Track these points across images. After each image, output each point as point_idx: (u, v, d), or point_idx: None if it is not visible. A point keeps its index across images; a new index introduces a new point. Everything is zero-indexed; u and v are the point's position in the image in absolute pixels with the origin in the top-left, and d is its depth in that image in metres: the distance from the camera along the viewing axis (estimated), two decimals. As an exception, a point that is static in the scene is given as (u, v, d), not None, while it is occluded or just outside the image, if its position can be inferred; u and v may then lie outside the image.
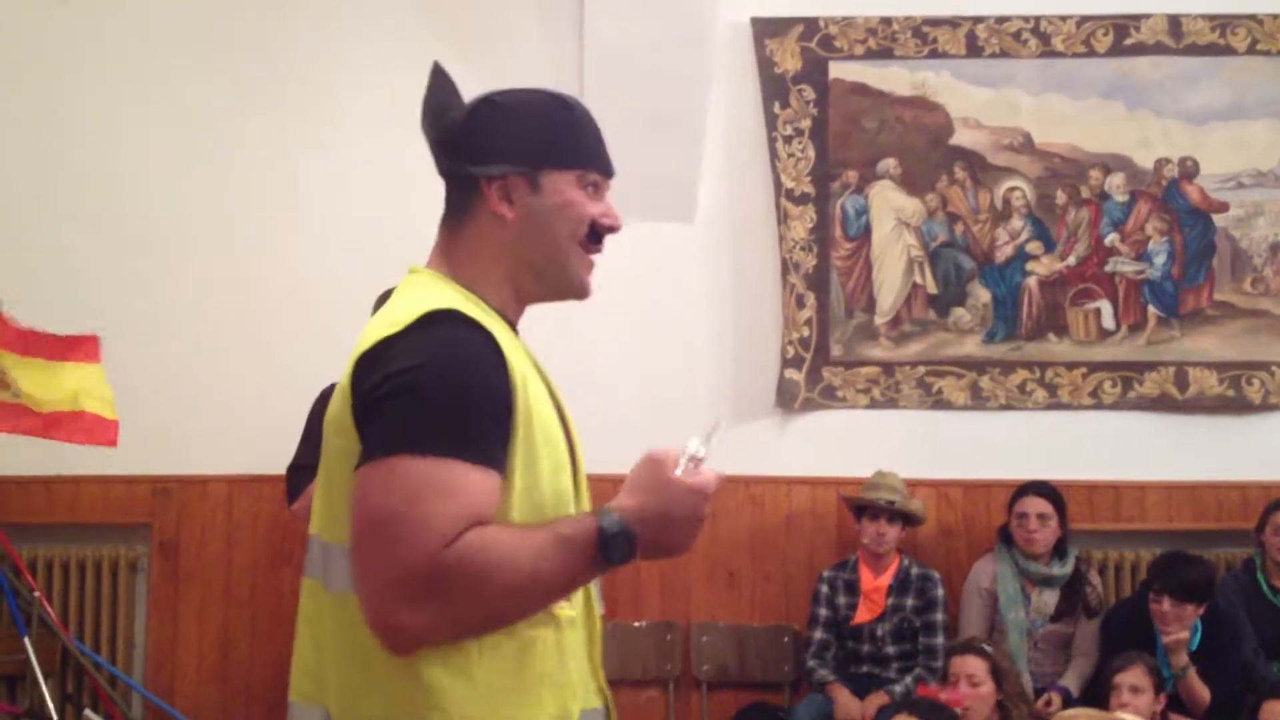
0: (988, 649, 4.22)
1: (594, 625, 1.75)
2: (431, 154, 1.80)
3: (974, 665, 4.12)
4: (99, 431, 4.60)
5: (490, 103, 1.77)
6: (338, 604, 1.63)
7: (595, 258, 1.81)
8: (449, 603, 1.50)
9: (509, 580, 1.52)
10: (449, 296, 1.67)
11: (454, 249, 1.77)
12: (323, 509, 1.69)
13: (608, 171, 1.81)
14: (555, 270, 1.78)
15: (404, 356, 1.56)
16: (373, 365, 1.59)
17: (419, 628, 1.50)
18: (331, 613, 1.64)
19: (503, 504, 1.58)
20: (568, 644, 1.68)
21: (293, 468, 4.42)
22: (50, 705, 4.87)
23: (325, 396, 4.45)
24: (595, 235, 1.79)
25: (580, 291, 1.81)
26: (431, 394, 1.54)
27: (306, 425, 4.43)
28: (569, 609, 1.68)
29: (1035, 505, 4.83)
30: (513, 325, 1.77)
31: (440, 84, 1.78)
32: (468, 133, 1.75)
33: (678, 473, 1.60)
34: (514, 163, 1.74)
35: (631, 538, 1.57)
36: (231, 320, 5.28)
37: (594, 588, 1.75)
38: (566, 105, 1.80)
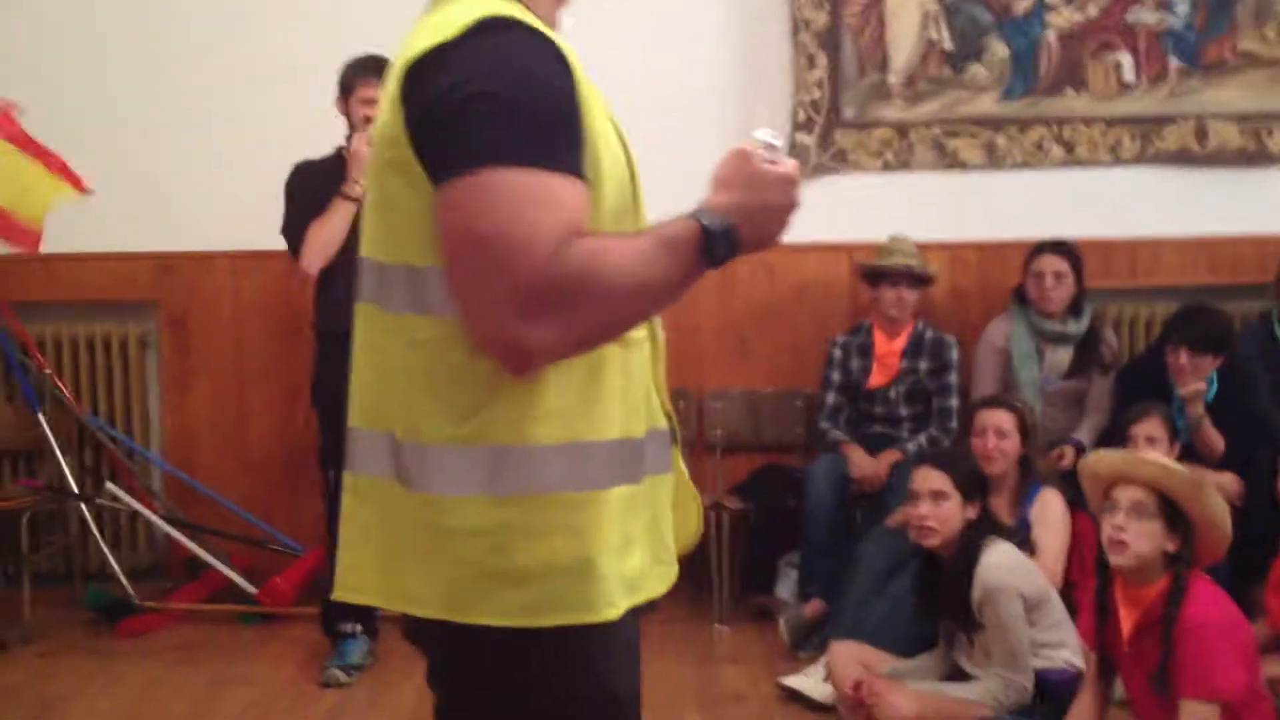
0: (1015, 403, 4.23)
1: (658, 346, 1.72)
2: None
3: (1002, 418, 4.14)
4: (15, 234, 4.56)
5: None
6: (399, 326, 1.57)
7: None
8: (567, 313, 1.45)
9: (623, 284, 1.47)
10: (500, 4, 1.56)
11: None
12: (375, 229, 1.61)
13: None
14: None
15: (467, 64, 1.47)
16: (430, 74, 1.49)
17: (540, 342, 1.46)
18: (392, 335, 1.59)
19: None
20: (634, 363, 1.65)
21: (286, 228, 4.38)
22: (70, 478, 4.93)
23: (301, 170, 4.39)
24: None
25: None
26: (507, 102, 1.45)
27: (289, 195, 4.37)
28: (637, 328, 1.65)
29: (1051, 264, 4.79)
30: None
31: None
32: None
33: (762, 162, 1.57)
34: None
35: (734, 233, 1.53)
36: (230, 93, 5.13)
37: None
38: None
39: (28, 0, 5.14)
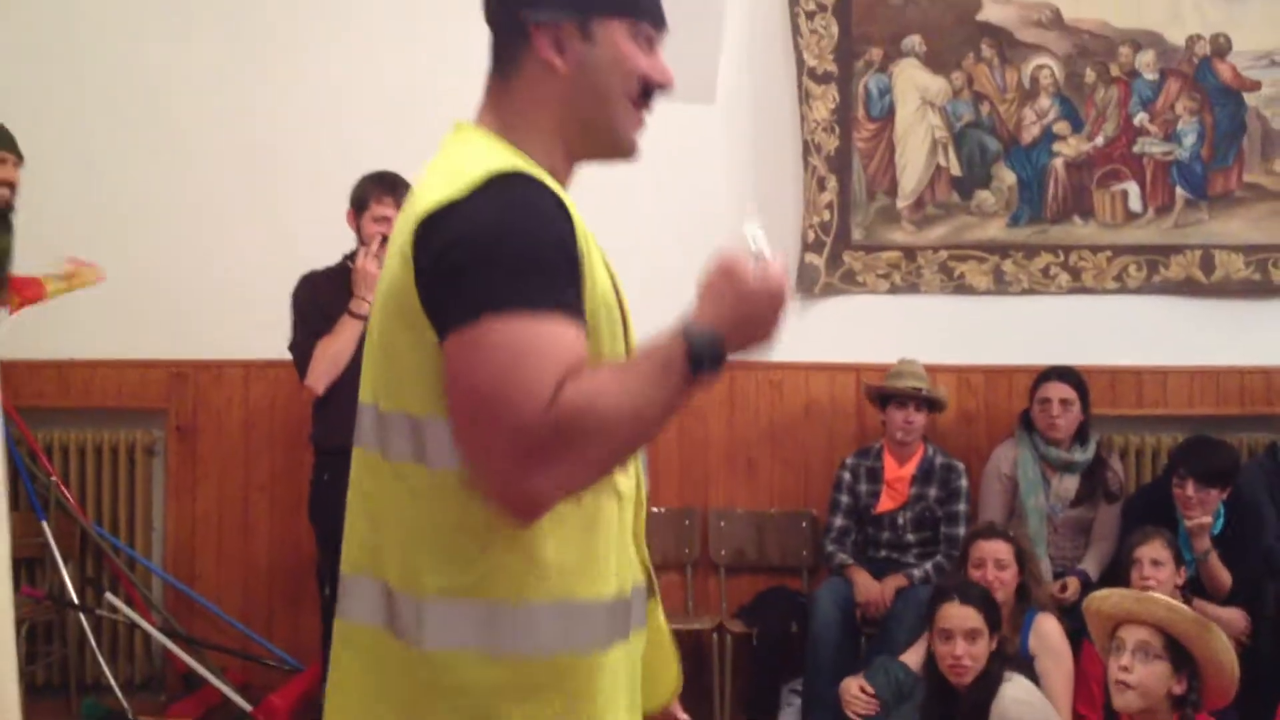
0: (1011, 533, 4.21)
1: (641, 499, 1.72)
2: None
3: (1000, 548, 4.11)
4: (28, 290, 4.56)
5: None
6: (398, 474, 1.58)
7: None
8: (569, 456, 1.46)
9: (619, 418, 1.47)
10: (507, 157, 1.59)
11: (502, 104, 1.68)
12: (377, 375, 1.62)
13: (661, 23, 1.71)
14: (605, 127, 1.69)
15: (471, 219, 1.50)
16: (437, 229, 1.52)
17: (545, 490, 1.47)
18: (390, 482, 1.60)
19: None
20: (624, 518, 1.65)
21: (295, 346, 4.39)
22: (71, 588, 4.91)
23: (308, 281, 4.41)
24: (646, 92, 1.70)
25: (629, 151, 1.72)
26: (506, 252, 1.48)
27: (297, 309, 4.39)
28: (625, 480, 1.65)
29: (1058, 390, 4.79)
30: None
31: None
32: None
33: (750, 271, 1.56)
34: (565, 8, 1.64)
35: (720, 346, 1.52)
36: (247, 204, 5.21)
37: (640, 462, 1.72)
38: None
39: (51, 107, 5.21)
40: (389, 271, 1.59)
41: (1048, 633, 4.06)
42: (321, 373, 4.27)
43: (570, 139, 1.69)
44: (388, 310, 1.59)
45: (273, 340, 5.05)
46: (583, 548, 1.58)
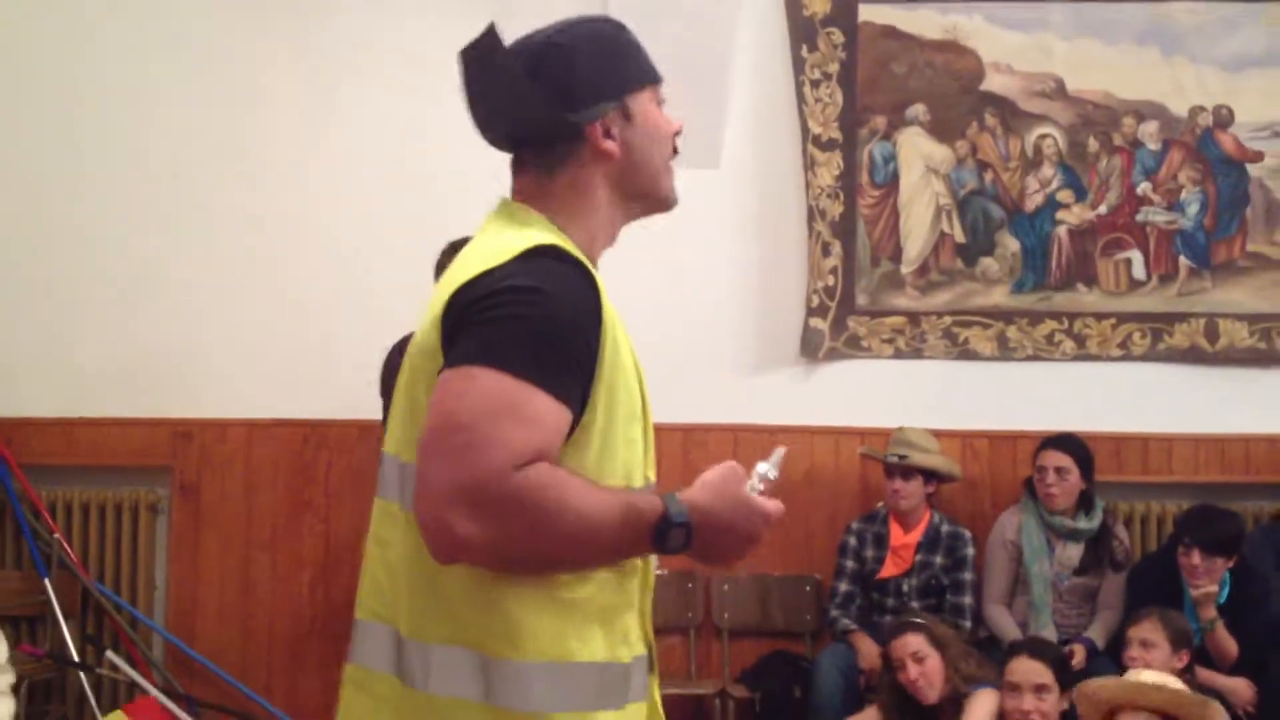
0: (918, 621, 4.18)
1: (648, 574, 1.75)
2: (496, 121, 1.77)
3: (913, 643, 4.07)
4: None
5: (555, 46, 1.75)
6: (411, 524, 1.60)
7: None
8: (504, 524, 1.49)
9: (565, 523, 1.51)
10: (550, 234, 1.67)
11: (550, 191, 1.75)
12: (402, 429, 1.66)
13: (660, 78, 1.83)
14: (653, 191, 1.82)
15: (505, 280, 1.56)
16: (470, 290, 1.58)
17: (468, 539, 1.49)
18: (405, 532, 1.63)
19: (580, 442, 1.59)
20: (627, 589, 1.68)
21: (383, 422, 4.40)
22: (71, 646, 4.90)
23: (399, 350, 4.41)
24: (674, 147, 1.84)
25: (673, 205, 1.86)
26: (528, 318, 1.54)
27: (383, 382, 4.40)
28: None
29: (1054, 459, 4.77)
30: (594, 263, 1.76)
31: (493, 46, 1.73)
32: (550, 83, 1.72)
33: (749, 489, 1.65)
34: (607, 98, 1.75)
35: (690, 532, 1.59)
36: (254, 266, 5.24)
37: None
38: (620, 26, 1.82)
39: (57, 169, 5.27)
40: (421, 334, 1.65)
41: (983, 709, 3.93)
42: None
43: (622, 210, 1.80)
44: (416, 370, 1.65)
45: (277, 400, 5.10)
46: (582, 612, 1.61)
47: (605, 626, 1.64)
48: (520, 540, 1.51)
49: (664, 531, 1.56)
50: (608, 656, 1.64)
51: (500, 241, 1.65)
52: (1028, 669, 3.62)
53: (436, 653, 1.59)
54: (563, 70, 1.73)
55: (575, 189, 1.75)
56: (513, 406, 1.49)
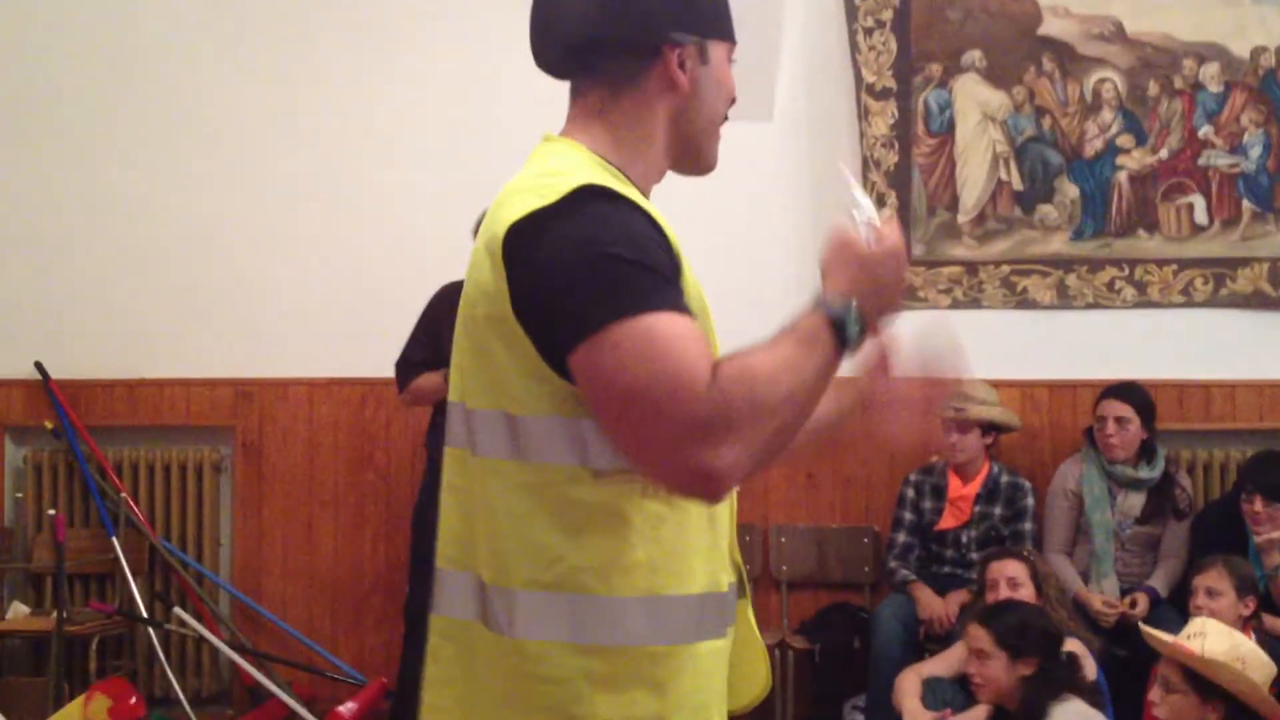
0: (1026, 553, 4.17)
1: (732, 503, 1.74)
2: (565, 22, 1.71)
3: (1013, 569, 4.07)
4: None
5: None
6: (491, 470, 1.60)
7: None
8: (743, 431, 1.47)
9: (779, 392, 1.49)
10: (597, 172, 1.62)
11: (611, 117, 1.71)
12: (469, 377, 1.64)
13: (737, 42, 1.78)
14: (701, 144, 1.75)
15: (570, 233, 1.52)
16: (533, 240, 1.54)
17: (729, 464, 1.47)
18: (481, 478, 1.62)
19: None
20: (719, 517, 1.67)
21: (402, 361, 4.51)
22: (140, 603, 4.99)
23: (438, 297, 4.49)
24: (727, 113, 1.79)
25: (713, 166, 1.78)
26: (614, 261, 1.50)
27: (422, 322, 4.49)
28: None
29: (1114, 409, 4.72)
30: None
31: None
32: (619, 7, 1.68)
33: (866, 242, 1.59)
34: (694, 30, 1.70)
35: (860, 313, 1.55)
36: (311, 225, 5.28)
37: None
38: None
39: (121, 135, 5.33)
40: (479, 275, 1.60)
41: None
42: (412, 400, 4.55)
43: (669, 157, 1.75)
44: (477, 315, 1.61)
45: (338, 359, 5.15)
46: (671, 545, 1.60)
47: (702, 556, 1.63)
48: (761, 433, 1.48)
49: (843, 328, 1.53)
50: (706, 586, 1.63)
51: (545, 176, 1.60)
52: (974, 634, 3.62)
53: (522, 597, 1.58)
54: None
55: (636, 117, 1.70)
56: (664, 339, 1.46)
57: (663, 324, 1.48)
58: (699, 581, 1.62)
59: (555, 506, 1.57)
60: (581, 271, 1.50)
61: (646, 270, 1.51)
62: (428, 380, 4.40)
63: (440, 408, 4.43)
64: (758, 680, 1.84)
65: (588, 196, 1.55)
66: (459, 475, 1.68)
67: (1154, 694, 3.09)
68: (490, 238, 1.59)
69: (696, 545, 1.62)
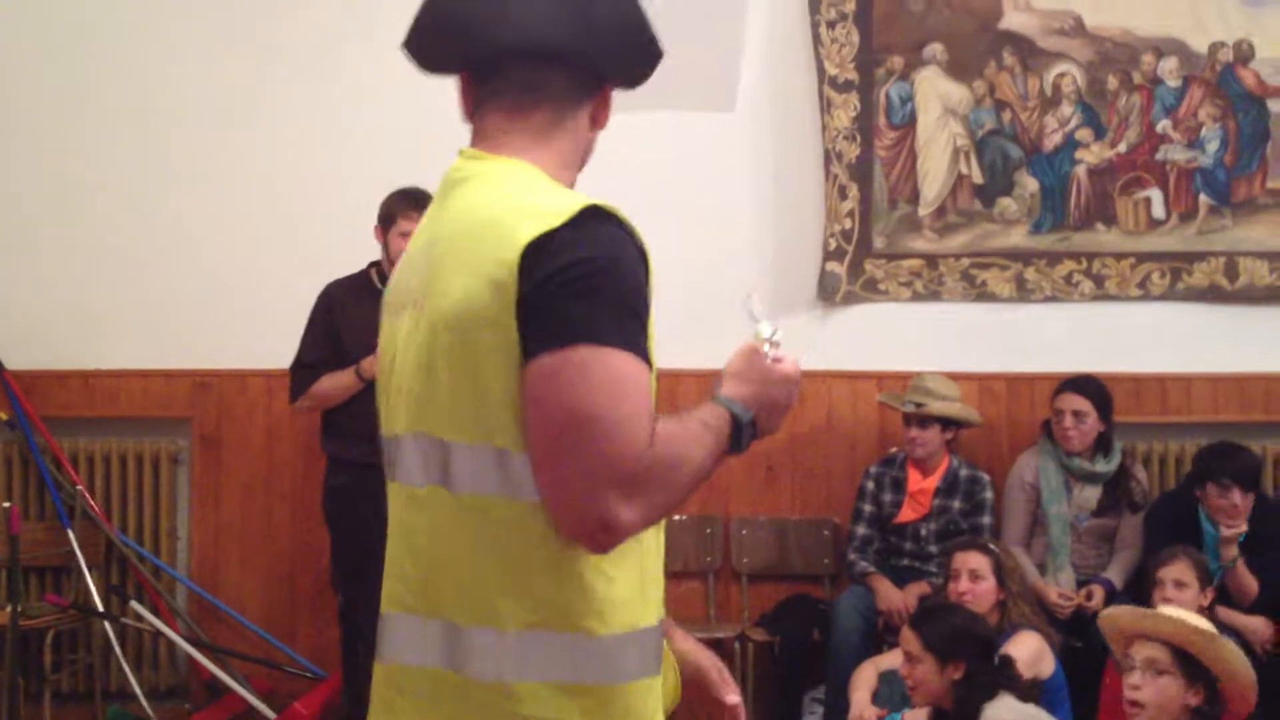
0: (991, 546, 4.18)
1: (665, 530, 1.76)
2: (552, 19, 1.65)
3: (976, 560, 4.08)
4: None
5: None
6: (468, 507, 1.56)
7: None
8: (653, 494, 1.51)
9: (690, 467, 1.56)
10: (582, 195, 1.61)
11: (550, 143, 1.69)
12: (452, 409, 1.57)
13: None
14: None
15: (579, 248, 1.51)
16: (548, 255, 1.51)
17: (629, 522, 1.50)
18: (455, 515, 1.58)
19: None
20: (660, 546, 1.70)
21: (296, 364, 4.47)
22: (96, 596, 4.94)
23: (325, 296, 4.47)
24: None
25: None
26: (613, 288, 1.51)
27: (315, 323, 4.46)
28: None
29: (1071, 402, 4.75)
30: None
31: None
32: (598, 27, 1.66)
33: (769, 361, 1.69)
34: (625, 82, 1.75)
35: (755, 425, 1.65)
36: (269, 215, 5.24)
37: None
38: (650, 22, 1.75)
39: (76, 126, 5.26)
40: (465, 301, 1.54)
41: (1020, 644, 3.92)
42: (308, 405, 4.52)
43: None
44: (464, 340, 1.55)
45: (293, 350, 5.09)
46: (640, 579, 1.61)
47: (655, 585, 1.65)
48: (665, 500, 1.54)
49: (739, 435, 1.62)
50: (658, 615, 1.66)
51: (537, 197, 1.58)
52: (905, 635, 3.64)
53: (512, 639, 1.55)
54: (613, 23, 1.68)
55: (573, 145, 1.71)
56: (623, 381, 1.49)
57: (630, 368, 1.50)
58: (657, 609, 1.65)
59: (542, 546, 1.54)
60: (576, 289, 1.50)
61: (631, 309, 1.53)
62: (333, 381, 4.38)
63: (332, 414, 4.44)
64: (672, 692, 1.85)
65: (594, 217, 1.54)
66: (412, 513, 1.63)
67: (1135, 678, 3.04)
68: (495, 262, 1.53)
69: (654, 574, 1.65)
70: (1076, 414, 4.73)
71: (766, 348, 1.69)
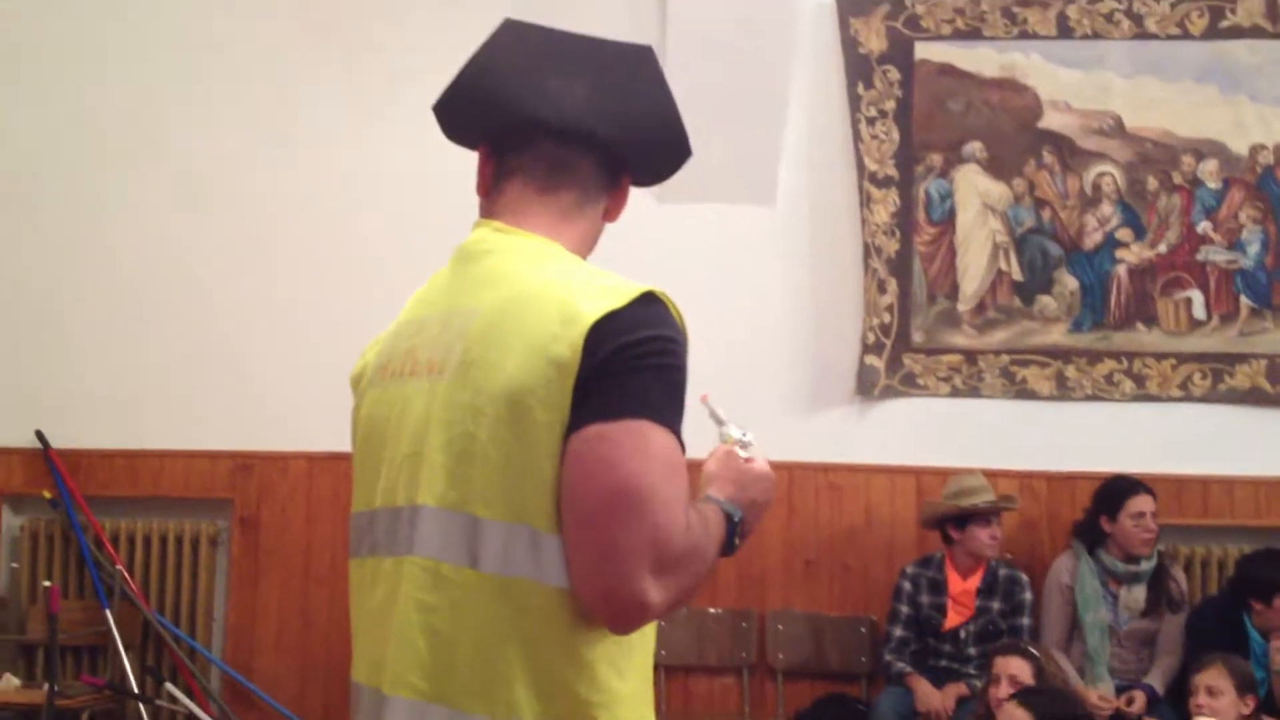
0: (1033, 651, 4.13)
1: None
2: (570, 108, 1.67)
3: (1017, 666, 4.03)
4: None
5: (660, 92, 1.73)
6: (497, 587, 1.51)
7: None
8: (680, 577, 1.51)
9: (708, 561, 1.57)
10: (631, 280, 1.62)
11: (574, 225, 1.72)
12: (484, 482, 1.52)
13: None
14: None
15: (646, 327, 1.52)
16: (612, 333, 1.50)
17: (657, 604, 1.49)
18: (482, 595, 1.51)
19: None
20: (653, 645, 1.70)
21: None
22: (131, 677, 4.95)
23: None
24: None
25: None
26: (673, 370, 1.54)
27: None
28: None
29: (1148, 504, 4.71)
30: None
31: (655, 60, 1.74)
32: (633, 119, 1.71)
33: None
34: (647, 173, 1.78)
35: (744, 524, 1.65)
36: (314, 297, 5.31)
37: None
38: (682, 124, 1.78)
39: (125, 196, 5.38)
40: (520, 377, 1.51)
41: None
42: None
43: None
44: (517, 416, 1.51)
45: (337, 433, 5.10)
46: (642, 674, 1.60)
47: (648, 682, 1.64)
48: (687, 585, 1.53)
49: (732, 534, 1.63)
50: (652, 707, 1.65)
51: (592, 276, 1.58)
52: (1006, 663, 3.71)
53: None
54: (668, 113, 1.74)
55: (592, 231, 1.74)
56: (673, 461, 1.50)
57: (678, 455, 1.51)
58: (650, 704, 1.62)
59: (569, 633, 1.50)
60: (646, 361, 1.50)
61: (682, 394, 1.55)
62: None
63: None
64: None
65: (655, 302, 1.56)
66: (430, 591, 1.55)
67: None
68: (555, 339, 1.50)
69: (649, 672, 1.63)
70: (1154, 515, 4.69)
71: (740, 451, 1.70)
